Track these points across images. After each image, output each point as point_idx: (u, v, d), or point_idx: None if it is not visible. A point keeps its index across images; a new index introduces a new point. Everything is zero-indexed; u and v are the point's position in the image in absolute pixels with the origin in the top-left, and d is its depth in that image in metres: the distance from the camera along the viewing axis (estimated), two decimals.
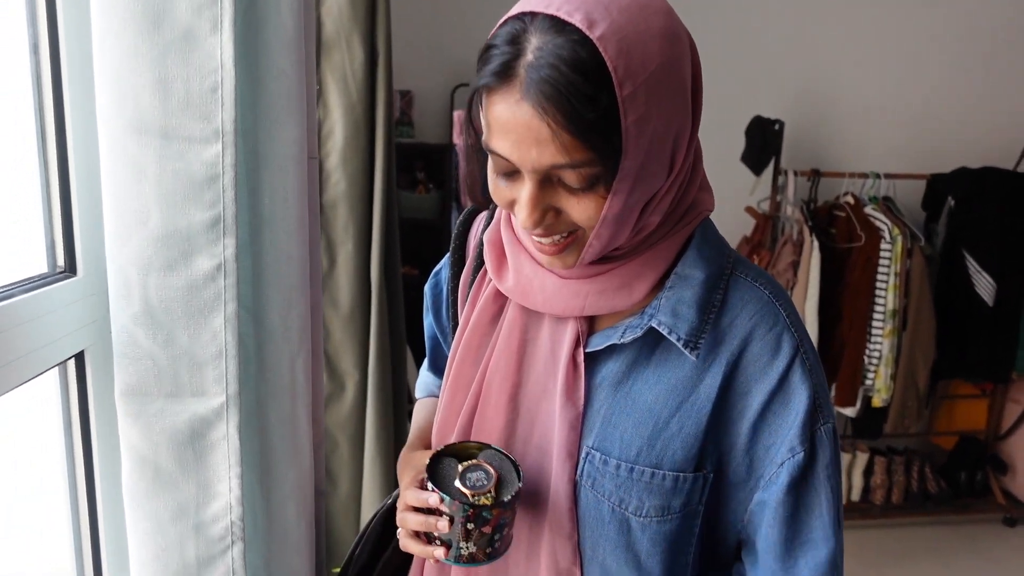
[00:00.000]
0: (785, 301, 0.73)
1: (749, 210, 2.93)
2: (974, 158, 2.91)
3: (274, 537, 0.83)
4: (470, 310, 0.79)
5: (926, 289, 2.80)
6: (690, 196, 0.71)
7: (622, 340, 0.71)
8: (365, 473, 1.88)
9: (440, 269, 0.90)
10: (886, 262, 2.73)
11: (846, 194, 2.83)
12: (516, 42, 0.60)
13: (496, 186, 0.66)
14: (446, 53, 2.89)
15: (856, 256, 2.74)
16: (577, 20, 0.58)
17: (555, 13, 0.59)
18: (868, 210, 2.77)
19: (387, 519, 0.90)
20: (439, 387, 0.97)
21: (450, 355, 0.81)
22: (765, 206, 2.97)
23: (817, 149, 3.07)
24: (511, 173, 0.64)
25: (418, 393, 1.02)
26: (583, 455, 0.72)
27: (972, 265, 2.85)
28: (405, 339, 2.02)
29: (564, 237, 0.66)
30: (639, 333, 0.70)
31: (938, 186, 2.91)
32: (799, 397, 0.70)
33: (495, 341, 0.76)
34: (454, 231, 0.87)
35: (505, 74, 0.60)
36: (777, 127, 2.81)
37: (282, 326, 0.79)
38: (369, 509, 1.88)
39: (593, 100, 0.58)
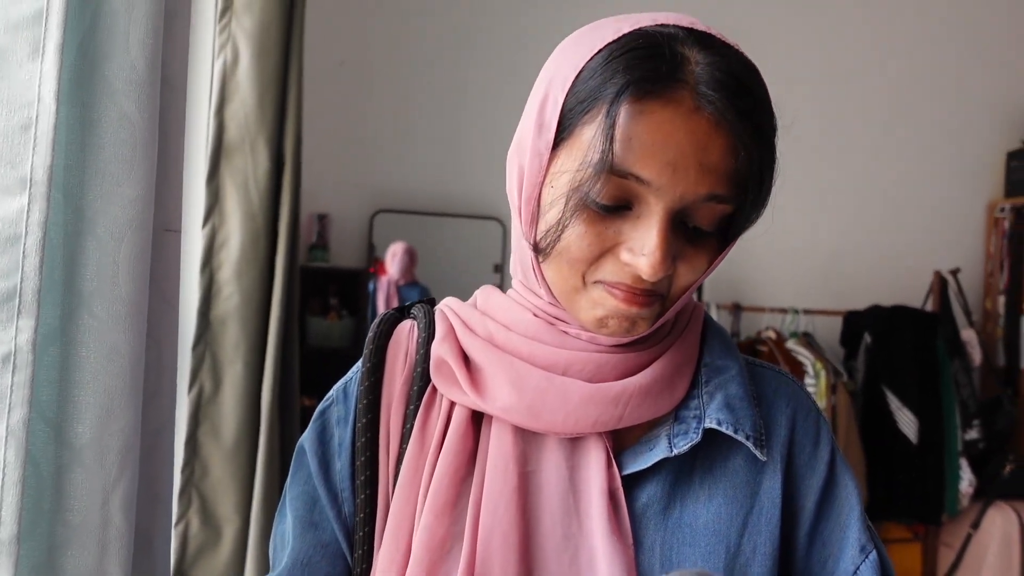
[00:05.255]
0: (805, 388, 0.67)
1: None
2: (885, 296, 2.99)
3: None
4: (419, 451, 0.59)
5: (853, 426, 2.74)
6: None
7: (675, 452, 0.56)
8: None
9: (329, 406, 0.65)
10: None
11: (767, 329, 2.81)
12: (670, 46, 0.51)
13: (587, 229, 0.53)
14: (366, 178, 2.83)
15: None
16: (729, 40, 0.53)
17: (703, 29, 0.53)
18: (790, 344, 2.76)
19: None
20: None
21: (392, 522, 0.58)
22: None
23: (737, 284, 3.09)
24: (621, 208, 0.52)
25: None
26: None
27: (893, 401, 2.83)
28: None
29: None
30: (697, 438, 0.57)
31: (854, 322, 2.95)
32: (850, 489, 0.62)
33: (478, 485, 0.57)
34: (367, 345, 0.64)
35: (672, 77, 0.50)
36: None
37: (95, 445, 0.59)
38: None
39: (773, 116, 0.53)
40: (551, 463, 0.57)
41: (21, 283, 0.54)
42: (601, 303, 0.55)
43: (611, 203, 0.52)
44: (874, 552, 0.60)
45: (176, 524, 1.51)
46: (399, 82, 2.82)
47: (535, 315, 0.60)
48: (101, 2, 0.58)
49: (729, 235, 0.56)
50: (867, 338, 2.89)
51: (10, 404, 0.53)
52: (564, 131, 0.53)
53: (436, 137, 2.83)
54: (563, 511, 0.56)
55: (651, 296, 0.54)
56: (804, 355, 2.71)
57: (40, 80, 0.55)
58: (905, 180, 3.22)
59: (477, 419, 0.60)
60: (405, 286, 2.88)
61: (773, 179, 0.54)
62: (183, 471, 1.52)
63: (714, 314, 2.83)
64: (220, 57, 1.51)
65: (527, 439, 0.58)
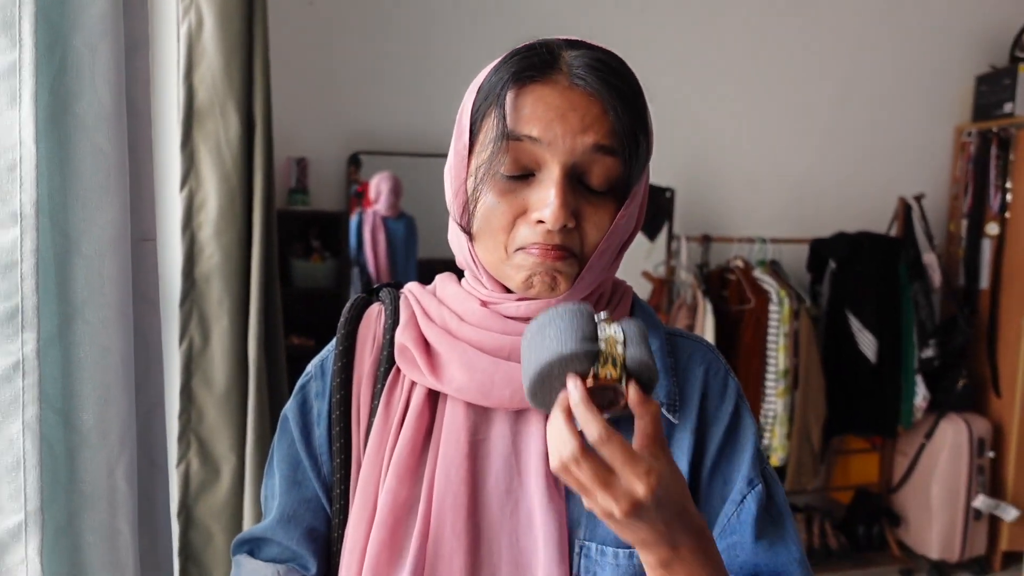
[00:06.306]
0: (717, 351, 0.77)
1: (646, 275, 2.98)
2: (850, 223, 3.09)
3: None
4: (384, 424, 0.70)
5: (814, 348, 2.90)
6: (617, 269, 0.73)
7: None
8: None
9: (308, 381, 0.76)
10: (775, 323, 2.82)
11: (736, 258, 2.92)
12: (547, 48, 0.64)
13: (500, 200, 0.64)
14: (342, 120, 2.86)
15: (748, 318, 2.82)
16: (602, 46, 0.64)
17: (580, 39, 0.65)
18: (757, 273, 2.87)
19: None
20: (308, 565, 0.74)
21: (361, 485, 0.69)
22: (661, 270, 3.03)
23: (707, 215, 3.19)
24: (526, 176, 0.63)
25: None
26: (576, 551, 0.67)
27: (855, 324, 2.98)
28: None
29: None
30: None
31: (819, 249, 3.06)
32: (747, 434, 0.72)
33: (435, 453, 0.68)
34: (340, 329, 0.74)
35: (549, 66, 0.62)
36: (668, 194, 2.89)
37: (98, 428, 0.70)
38: None
39: (640, 93, 0.64)
40: (497, 432, 0.68)
41: (22, 302, 0.63)
42: (523, 264, 0.65)
43: (515, 172, 0.63)
44: (760, 484, 0.70)
45: (178, 465, 1.66)
46: (370, 20, 2.81)
47: (482, 303, 0.70)
48: (67, 48, 0.65)
49: (622, 196, 0.65)
50: (832, 264, 3.01)
51: (23, 403, 0.64)
52: (475, 129, 0.66)
53: (411, 76, 2.85)
54: (506, 470, 0.67)
55: (565, 251, 0.64)
56: (769, 283, 2.84)
57: (20, 125, 0.63)
58: (873, 107, 3.26)
59: (434, 396, 0.70)
60: (391, 219, 2.94)
61: (649, 143, 0.66)
62: (180, 418, 1.65)
63: (684, 247, 2.93)
64: (184, 22, 1.54)
65: (478, 413, 0.69)
